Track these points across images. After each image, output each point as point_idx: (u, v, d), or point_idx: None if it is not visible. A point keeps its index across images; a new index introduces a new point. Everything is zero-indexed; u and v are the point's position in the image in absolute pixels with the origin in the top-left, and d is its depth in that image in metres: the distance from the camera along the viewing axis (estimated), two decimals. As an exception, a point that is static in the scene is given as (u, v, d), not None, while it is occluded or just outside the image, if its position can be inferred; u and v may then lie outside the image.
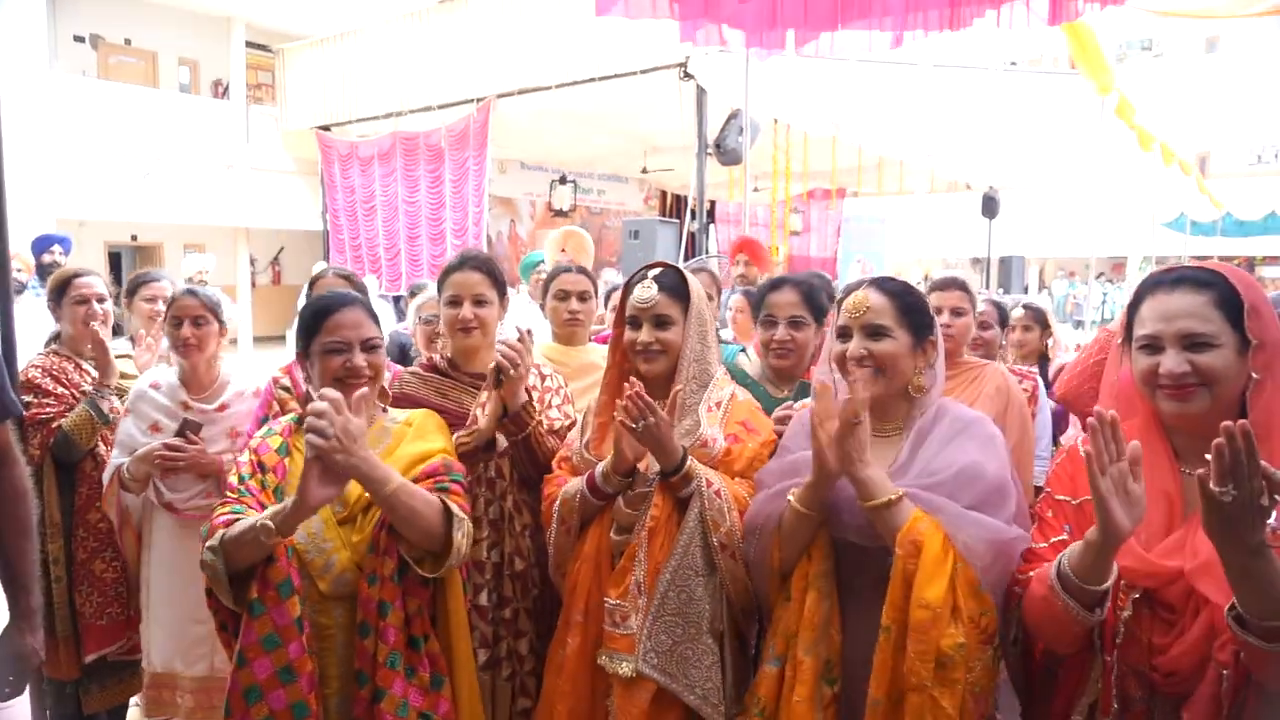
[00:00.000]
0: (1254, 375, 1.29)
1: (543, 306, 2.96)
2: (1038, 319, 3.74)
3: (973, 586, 1.49)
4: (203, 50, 14.24)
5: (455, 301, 2.25)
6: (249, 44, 13.36)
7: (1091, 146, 7.78)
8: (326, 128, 10.96)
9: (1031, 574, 1.42)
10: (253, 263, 13.86)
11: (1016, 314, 3.73)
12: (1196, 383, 1.30)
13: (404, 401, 2.19)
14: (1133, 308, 1.41)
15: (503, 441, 2.20)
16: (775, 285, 2.39)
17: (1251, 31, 12.65)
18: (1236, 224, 11.23)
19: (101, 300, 2.84)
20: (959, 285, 2.74)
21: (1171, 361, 1.31)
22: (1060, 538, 1.41)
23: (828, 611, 1.65)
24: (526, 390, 2.15)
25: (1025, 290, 7.37)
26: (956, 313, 2.69)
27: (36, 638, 1.71)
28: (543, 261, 4.00)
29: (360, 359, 1.74)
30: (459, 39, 8.80)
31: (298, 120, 11.41)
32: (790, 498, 1.66)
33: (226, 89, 13.76)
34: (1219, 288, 1.32)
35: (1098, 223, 11.95)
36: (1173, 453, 1.37)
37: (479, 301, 2.24)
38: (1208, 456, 1.11)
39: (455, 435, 2.06)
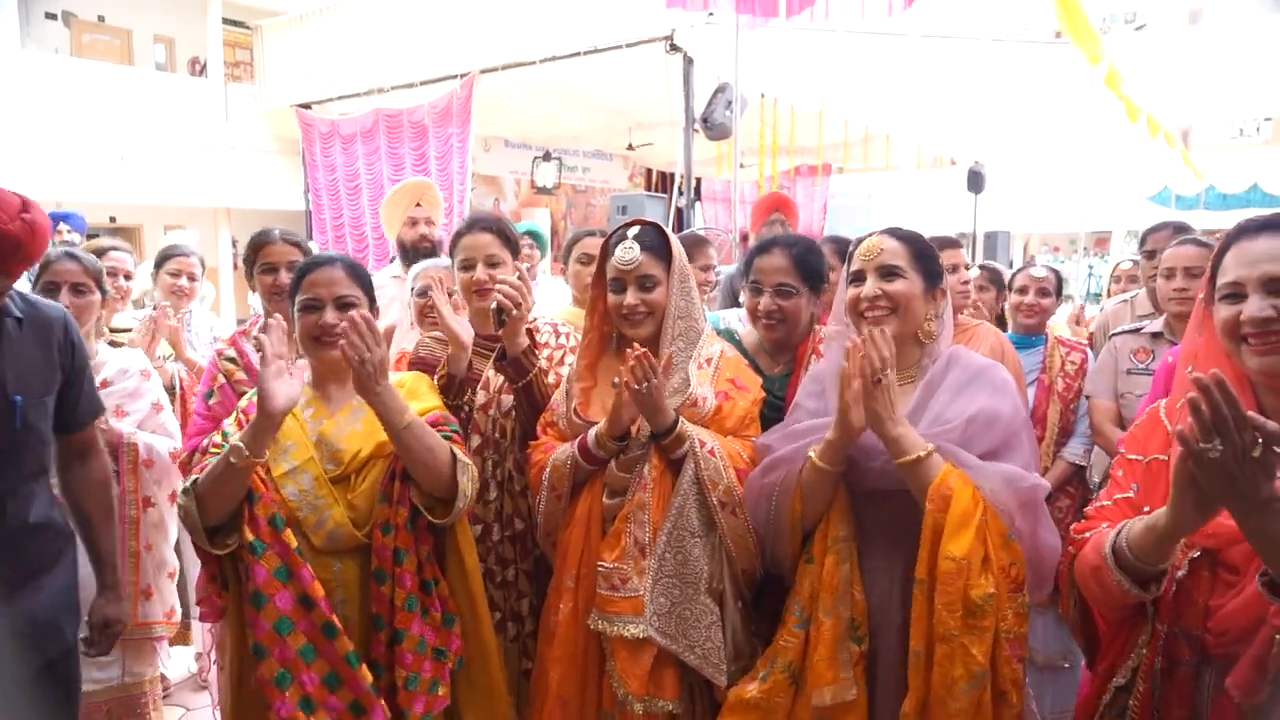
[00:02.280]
0: None
1: (563, 273, 2.97)
2: (993, 280, 3.67)
3: (1003, 537, 1.50)
4: (178, 27, 13.98)
5: (468, 265, 2.23)
6: (226, 21, 13.12)
7: (1077, 120, 7.77)
8: (307, 105, 10.81)
9: (1088, 534, 1.38)
10: (234, 244, 13.71)
11: (972, 274, 3.70)
12: None
13: (421, 364, 2.22)
14: (1216, 261, 1.33)
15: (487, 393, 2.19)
16: (764, 248, 2.26)
17: (1234, 4, 12.67)
18: (1220, 197, 11.28)
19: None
20: (954, 244, 2.73)
21: (1255, 307, 1.24)
22: (1125, 495, 1.37)
23: (847, 574, 1.66)
24: (529, 334, 2.13)
25: (1010, 265, 7.38)
26: (953, 269, 2.68)
27: (121, 607, 2.03)
28: (527, 233, 3.89)
29: (332, 316, 1.76)
30: (441, 13, 8.68)
31: (277, 98, 11.24)
32: (811, 453, 1.66)
33: (204, 67, 13.54)
34: None
35: (1083, 197, 11.98)
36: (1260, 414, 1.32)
37: (492, 263, 2.22)
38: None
39: (434, 375, 2.06)
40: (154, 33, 14.13)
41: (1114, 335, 2.95)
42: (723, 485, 1.80)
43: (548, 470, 1.95)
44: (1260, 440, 1.04)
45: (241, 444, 1.57)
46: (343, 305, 1.77)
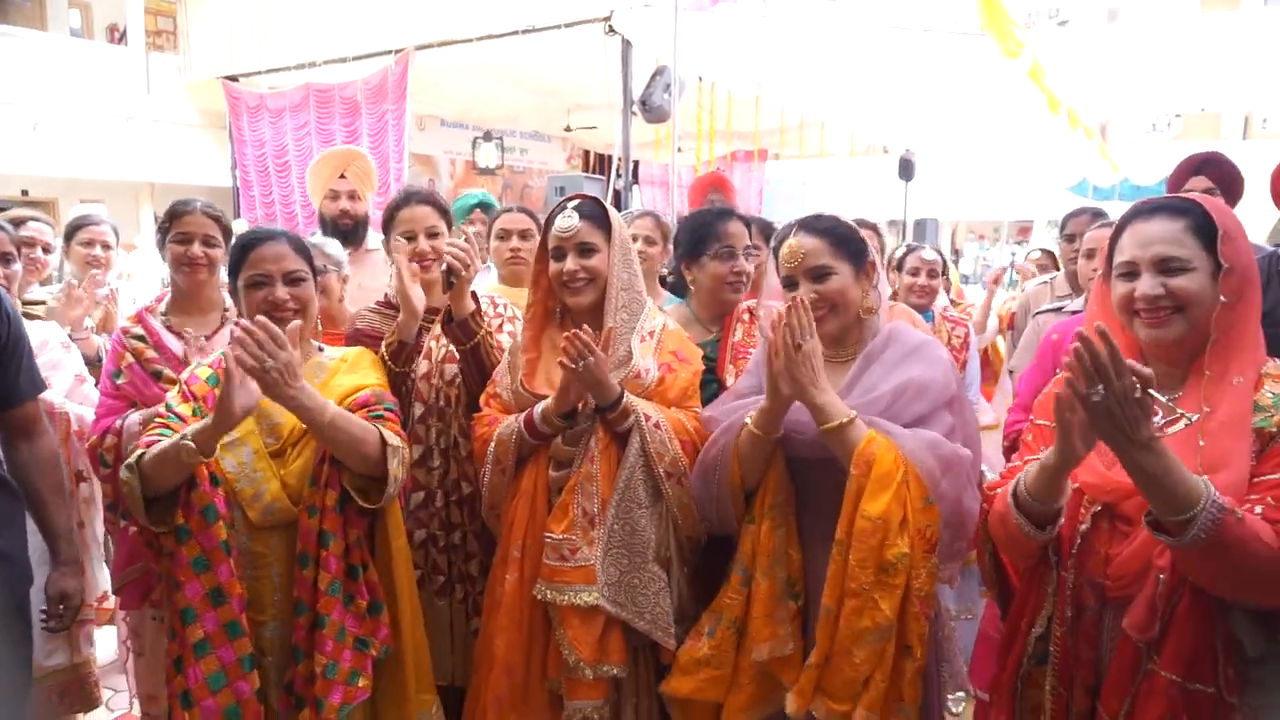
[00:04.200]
0: (1223, 299, 1.33)
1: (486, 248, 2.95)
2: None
3: (923, 500, 1.59)
4: (95, -7, 13.40)
5: (410, 236, 2.25)
6: (147, -14, 12.61)
7: (1003, 111, 8.02)
8: (234, 78, 10.47)
9: (999, 490, 1.50)
10: (158, 219, 13.23)
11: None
12: (1171, 307, 1.35)
13: (361, 335, 2.21)
14: (1114, 240, 1.45)
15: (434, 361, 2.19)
16: (726, 215, 2.34)
17: (1150, 4, 13.19)
18: (1134, 188, 11.74)
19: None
20: (868, 226, 2.83)
21: (1146, 285, 1.36)
22: (1035, 457, 1.47)
23: (783, 538, 1.75)
24: (475, 299, 2.15)
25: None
26: None
27: (79, 580, 2.01)
28: (479, 203, 3.76)
29: (282, 291, 1.75)
30: (375, -14, 8.50)
31: (202, 70, 10.85)
32: (748, 420, 1.73)
33: (123, 35, 12.98)
34: (1194, 214, 1.36)
35: (1007, 187, 12.37)
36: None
37: (433, 234, 2.25)
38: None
39: (384, 340, 2.08)
40: (68, -3, 13.50)
41: (1037, 314, 3.11)
42: (669, 457, 1.86)
43: (492, 445, 1.98)
44: (1139, 384, 1.16)
45: (193, 444, 1.55)
46: (291, 280, 1.76)
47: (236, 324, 1.56)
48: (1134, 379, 1.15)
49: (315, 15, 9.13)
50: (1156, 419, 1.22)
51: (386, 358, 2.08)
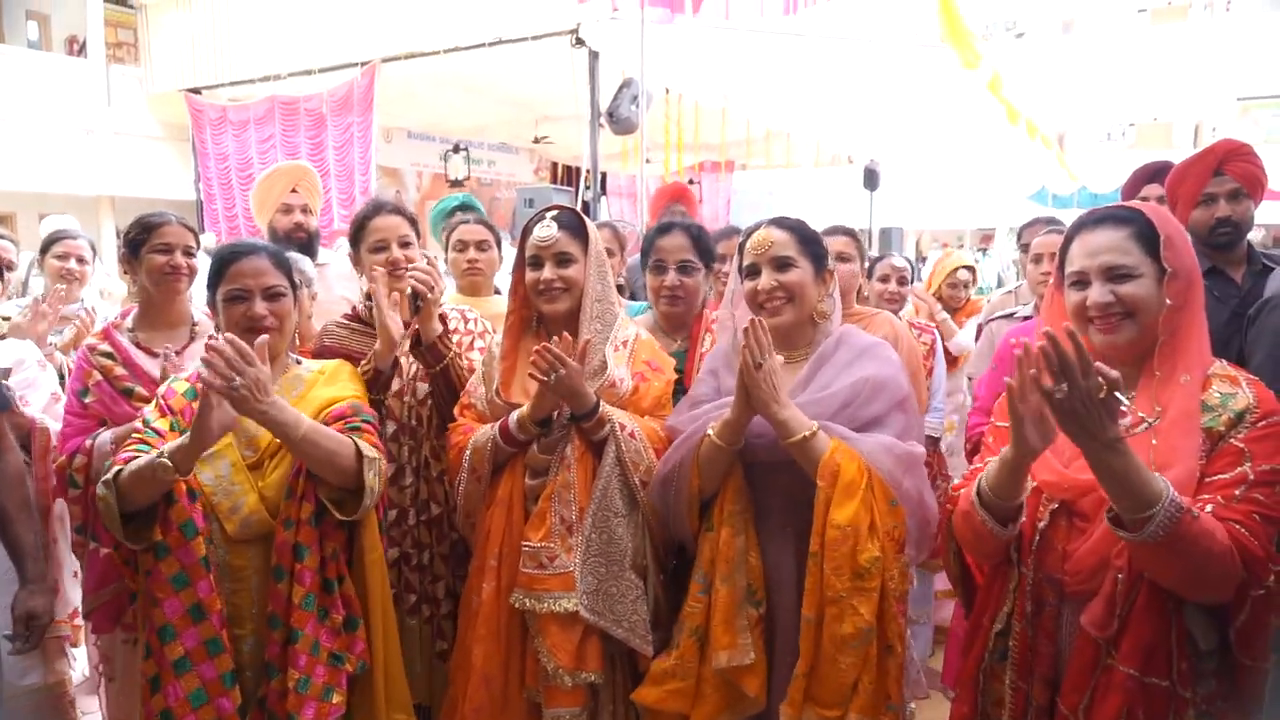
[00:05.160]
0: (1168, 302, 1.38)
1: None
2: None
3: (887, 503, 1.64)
4: (53, 4, 13.18)
5: (382, 246, 2.24)
6: (107, -1, 12.44)
7: (965, 121, 8.18)
8: (197, 91, 10.36)
9: (963, 491, 1.55)
10: (119, 234, 13.02)
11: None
12: (1121, 313, 1.40)
13: (329, 353, 2.20)
14: (1064, 249, 1.50)
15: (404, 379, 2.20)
16: (664, 229, 2.38)
17: (1103, 15, 13.52)
18: (1091, 196, 12.00)
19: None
20: (845, 232, 2.86)
21: (1097, 293, 1.41)
22: (994, 458, 1.52)
23: (742, 545, 1.78)
24: (442, 320, 2.16)
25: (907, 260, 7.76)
26: (842, 258, 2.75)
27: (48, 599, 1.98)
28: (461, 205, 3.68)
29: (261, 307, 1.75)
30: (341, -1, 8.47)
31: (164, 82, 10.72)
32: (710, 431, 1.76)
33: (83, 47, 12.79)
34: (1138, 222, 1.42)
35: (970, 195, 12.58)
36: None
37: (404, 243, 2.25)
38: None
39: (359, 365, 2.07)
40: (26, 8, 13.29)
41: (990, 321, 3.19)
42: (644, 465, 1.89)
43: (468, 452, 1.98)
44: (1104, 385, 1.21)
45: (170, 462, 1.54)
46: (270, 295, 1.76)
47: (207, 343, 1.56)
48: (1100, 380, 1.20)
49: (280, 27, 9.07)
50: (1124, 420, 1.27)
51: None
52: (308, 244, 3.26)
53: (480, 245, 2.77)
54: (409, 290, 2.08)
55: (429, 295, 2.04)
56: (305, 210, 3.34)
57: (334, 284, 3.14)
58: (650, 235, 2.41)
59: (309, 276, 2.70)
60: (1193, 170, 2.50)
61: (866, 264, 3.65)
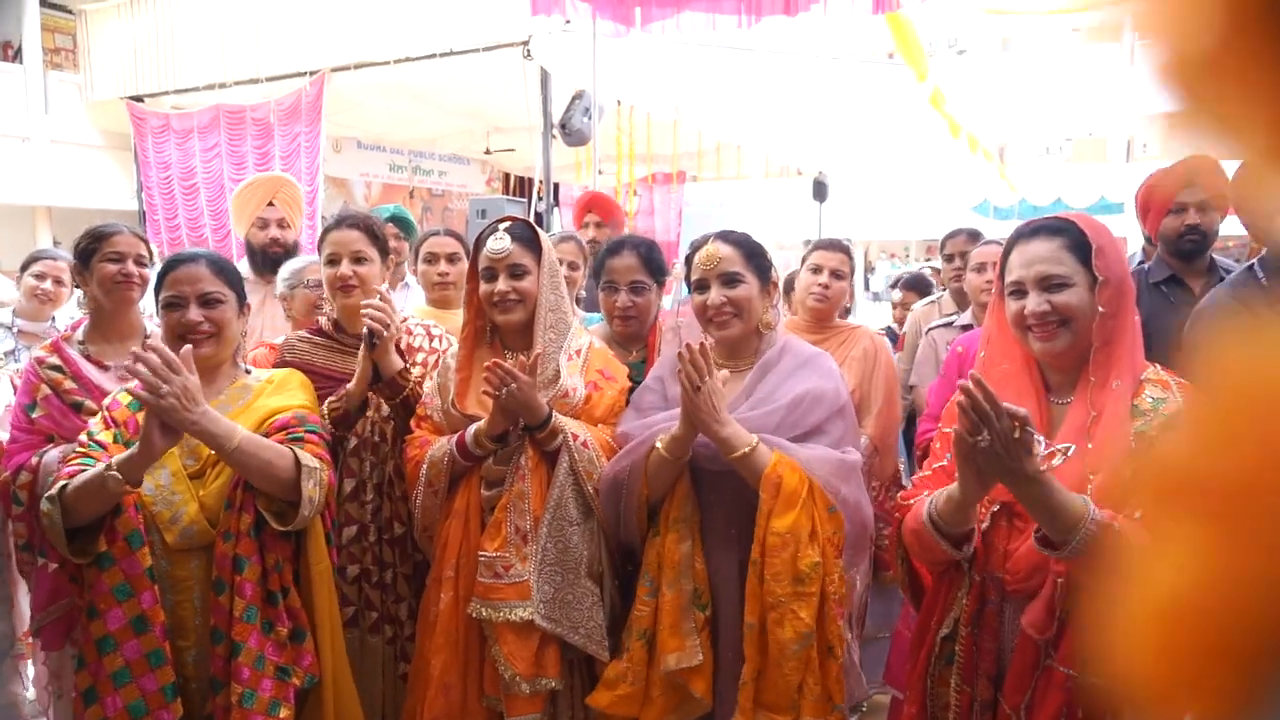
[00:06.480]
0: (1100, 309, 1.43)
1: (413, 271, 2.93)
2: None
3: (827, 510, 1.69)
4: (-14, 9, 12.78)
5: (334, 260, 2.23)
6: (44, 3, 12.10)
7: (909, 134, 8.39)
8: (139, 98, 10.14)
9: (911, 502, 1.59)
10: (57, 245, 12.65)
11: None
12: (1057, 321, 1.45)
13: (290, 366, 2.18)
14: (1004, 260, 1.55)
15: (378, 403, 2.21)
16: (614, 249, 2.42)
17: (1039, 33, 13.95)
18: (1031, 208, 12.37)
19: None
20: (843, 249, 2.87)
21: (1033, 302, 1.46)
22: (940, 463, 1.58)
23: (688, 550, 1.81)
24: (400, 352, 2.16)
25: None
26: (837, 275, 2.78)
27: (9, 622, 2.03)
28: (391, 218, 3.61)
29: (195, 314, 1.73)
30: (288, 7, 8.37)
31: (105, 89, 10.48)
32: (658, 443, 1.80)
33: (18, 52, 12.42)
34: (1070, 233, 1.47)
35: (915, 207, 12.86)
36: (1044, 387, 1.53)
37: (358, 259, 2.23)
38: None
39: (327, 401, 2.06)
40: (-44, 13, 12.85)
41: (930, 330, 3.27)
42: (597, 474, 1.91)
43: (425, 467, 1.99)
44: (1016, 425, 1.27)
45: (119, 474, 1.53)
46: (206, 302, 1.75)
47: (132, 350, 1.54)
48: (1011, 420, 1.26)
49: (225, 35, 8.94)
50: (1041, 449, 1.33)
51: (328, 421, 2.05)
52: (284, 258, 3.16)
53: (451, 258, 2.77)
54: (364, 330, 2.06)
55: (384, 333, 2.04)
56: (282, 224, 3.25)
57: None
58: (601, 255, 2.45)
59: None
60: (1165, 180, 2.63)
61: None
